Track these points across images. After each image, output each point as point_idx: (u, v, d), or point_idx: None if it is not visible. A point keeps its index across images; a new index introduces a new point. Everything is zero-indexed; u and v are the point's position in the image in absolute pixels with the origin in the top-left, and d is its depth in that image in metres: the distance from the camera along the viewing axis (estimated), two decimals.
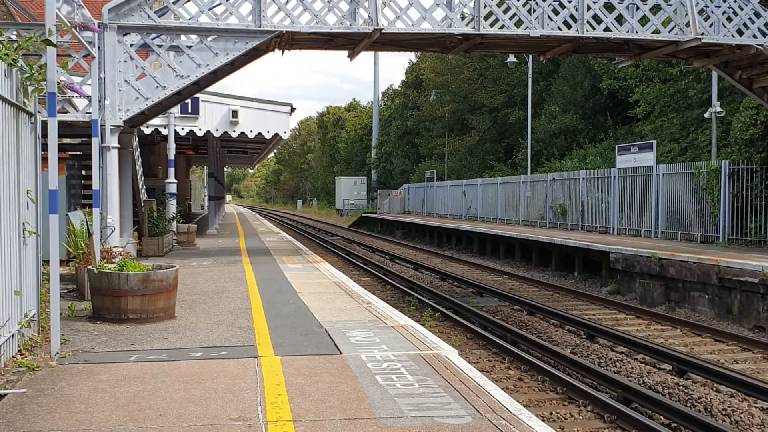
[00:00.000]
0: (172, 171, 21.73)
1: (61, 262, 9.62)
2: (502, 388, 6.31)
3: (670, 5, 15.69)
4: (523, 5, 15.29)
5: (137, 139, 17.60)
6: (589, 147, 35.18)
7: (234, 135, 22.67)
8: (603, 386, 8.86)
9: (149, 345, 7.16)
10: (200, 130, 22.34)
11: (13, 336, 6.35)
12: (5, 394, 5.36)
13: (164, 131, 21.64)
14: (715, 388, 9.00)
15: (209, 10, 14.43)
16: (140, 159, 18.77)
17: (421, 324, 10.12)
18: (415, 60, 62.92)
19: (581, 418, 7.86)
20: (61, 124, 9.49)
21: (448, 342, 8.46)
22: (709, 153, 23.01)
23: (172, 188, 21.38)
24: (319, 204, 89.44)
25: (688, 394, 8.61)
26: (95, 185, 10.46)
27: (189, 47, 14.42)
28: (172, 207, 20.63)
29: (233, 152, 39.79)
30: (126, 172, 15.54)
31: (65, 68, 11.90)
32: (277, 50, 15.90)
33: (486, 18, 15.18)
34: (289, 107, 23.14)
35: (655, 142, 23.70)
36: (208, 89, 18.88)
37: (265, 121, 22.63)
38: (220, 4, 14.56)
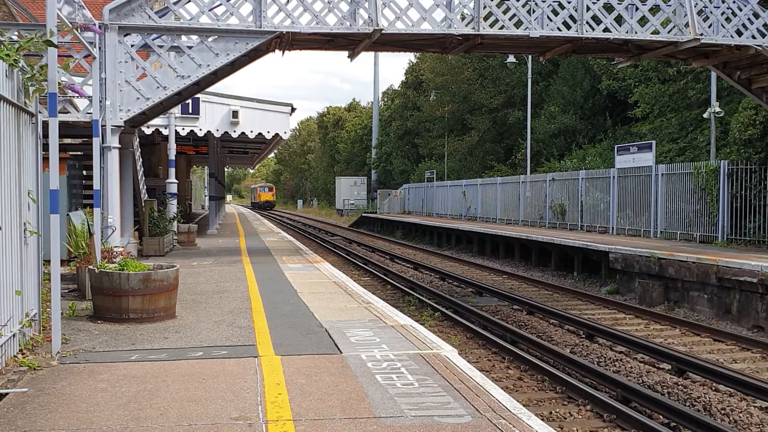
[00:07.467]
0: (172, 171, 21.76)
1: (62, 262, 9.65)
2: (502, 388, 6.34)
3: (669, 6, 15.71)
4: (523, 6, 15.31)
5: (138, 139, 17.63)
6: (589, 147, 35.20)
7: (234, 135, 22.71)
8: (602, 386, 8.88)
9: (150, 344, 7.18)
10: (201, 130, 22.37)
11: (14, 335, 6.38)
12: (6, 394, 5.38)
13: (165, 131, 21.68)
14: (714, 388, 9.02)
15: (210, 10, 14.46)
16: (141, 159, 18.80)
17: (421, 324, 10.15)
18: (414, 60, 62.93)
19: (581, 417, 7.89)
20: (62, 125, 9.51)
21: (447, 341, 8.48)
22: (708, 153, 23.02)
23: (173, 188, 21.42)
24: (320, 204, 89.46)
25: (687, 394, 8.64)
26: (96, 185, 10.49)
27: (189, 48, 14.45)
28: (173, 207, 20.66)
29: (234, 152, 39.84)
30: (127, 172, 15.57)
31: (66, 69, 11.96)
32: (277, 51, 15.92)
33: (486, 18, 15.20)
34: (290, 107, 23.17)
35: (654, 142, 23.71)
36: (209, 89, 18.91)
37: (266, 122, 22.67)
38: (220, 4, 14.58)
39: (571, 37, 15.56)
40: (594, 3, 15.38)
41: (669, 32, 15.78)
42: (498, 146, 47.22)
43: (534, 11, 15.25)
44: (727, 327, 13.21)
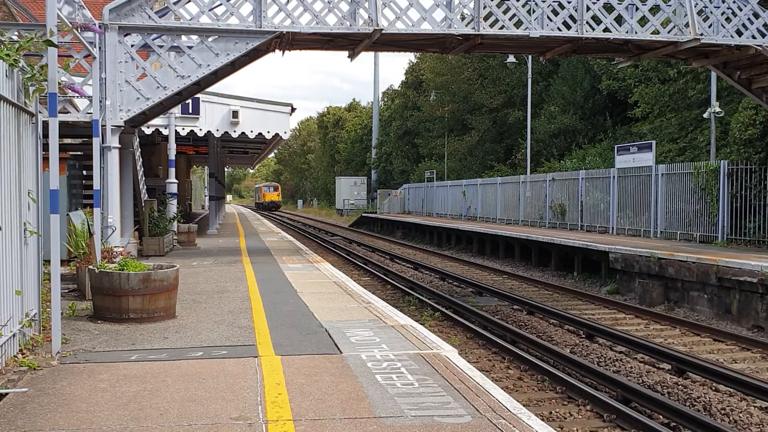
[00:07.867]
0: (172, 171, 21.76)
1: (62, 262, 9.64)
2: (502, 388, 6.34)
3: (670, 6, 15.71)
4: (523, 6, 15.31)
5: (138, 139, 17.63)
6: (589, 147, 35.20)
7: (234, 135, 22.72)
8: (602, 386, 8.88)
9: (150, 344, 7.18)
10: (201, 130, 22.38)
11: (14, 335, 6.38)
12: (6, 394, 5.38)
13: (165, 131, 21.68)
14: (714, 388, 9.03)
15: (210, 10, 14.46)
16: (141, 159, 18.80)
17: (421, 323, 10.16)
18: (415, 60, 62.94)
19: (580, 417, 7.89)
20: (62, 125, 9.52)
21: (447, 341, 8.48)
22: (708, 153, 23.03)
23: (173, 188, 21.42)
24: (320, 204, 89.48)
25: (687, 394, 8.64)
26: (96, 185, 10.49)
27: (190, 48, 14.45)
28: (173, 207, 20.66)
29: (234, 152, 39.84)
30: (127, 172, 15.57)
31: (66, 69, 11.97)
32: (277, 51, 15.92)
33: (486, 18, 15.20)
34: (290, 107, 23.18)
35: (654, 142, 23.71)
36: (209, 89, 18.91)
37: (266, 121, 22.68)
38: (220, 4, 14.59)
39: (571, 37, 15.56)
40: (594, 3, 15.39)
41: (669, 32, 15.78)
42: (498, 146, 47.22)
43: (534, 11, 15.25)
44: (727, 327, 13.20)
